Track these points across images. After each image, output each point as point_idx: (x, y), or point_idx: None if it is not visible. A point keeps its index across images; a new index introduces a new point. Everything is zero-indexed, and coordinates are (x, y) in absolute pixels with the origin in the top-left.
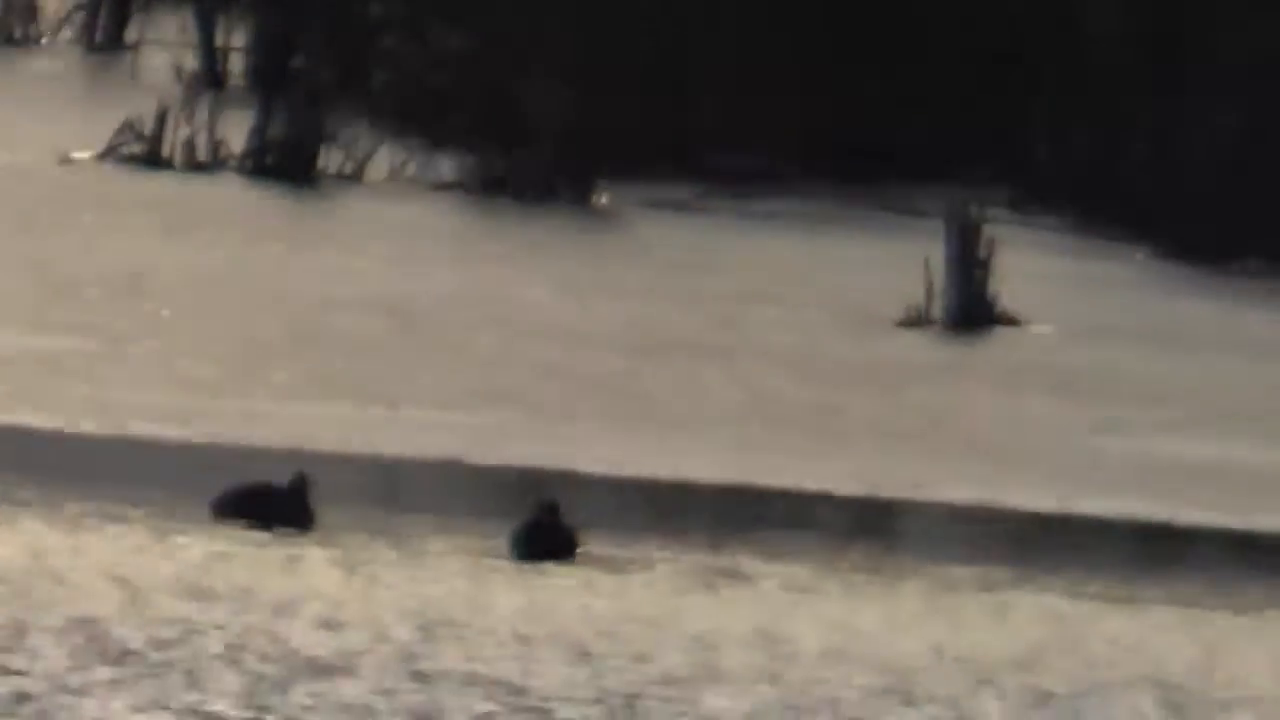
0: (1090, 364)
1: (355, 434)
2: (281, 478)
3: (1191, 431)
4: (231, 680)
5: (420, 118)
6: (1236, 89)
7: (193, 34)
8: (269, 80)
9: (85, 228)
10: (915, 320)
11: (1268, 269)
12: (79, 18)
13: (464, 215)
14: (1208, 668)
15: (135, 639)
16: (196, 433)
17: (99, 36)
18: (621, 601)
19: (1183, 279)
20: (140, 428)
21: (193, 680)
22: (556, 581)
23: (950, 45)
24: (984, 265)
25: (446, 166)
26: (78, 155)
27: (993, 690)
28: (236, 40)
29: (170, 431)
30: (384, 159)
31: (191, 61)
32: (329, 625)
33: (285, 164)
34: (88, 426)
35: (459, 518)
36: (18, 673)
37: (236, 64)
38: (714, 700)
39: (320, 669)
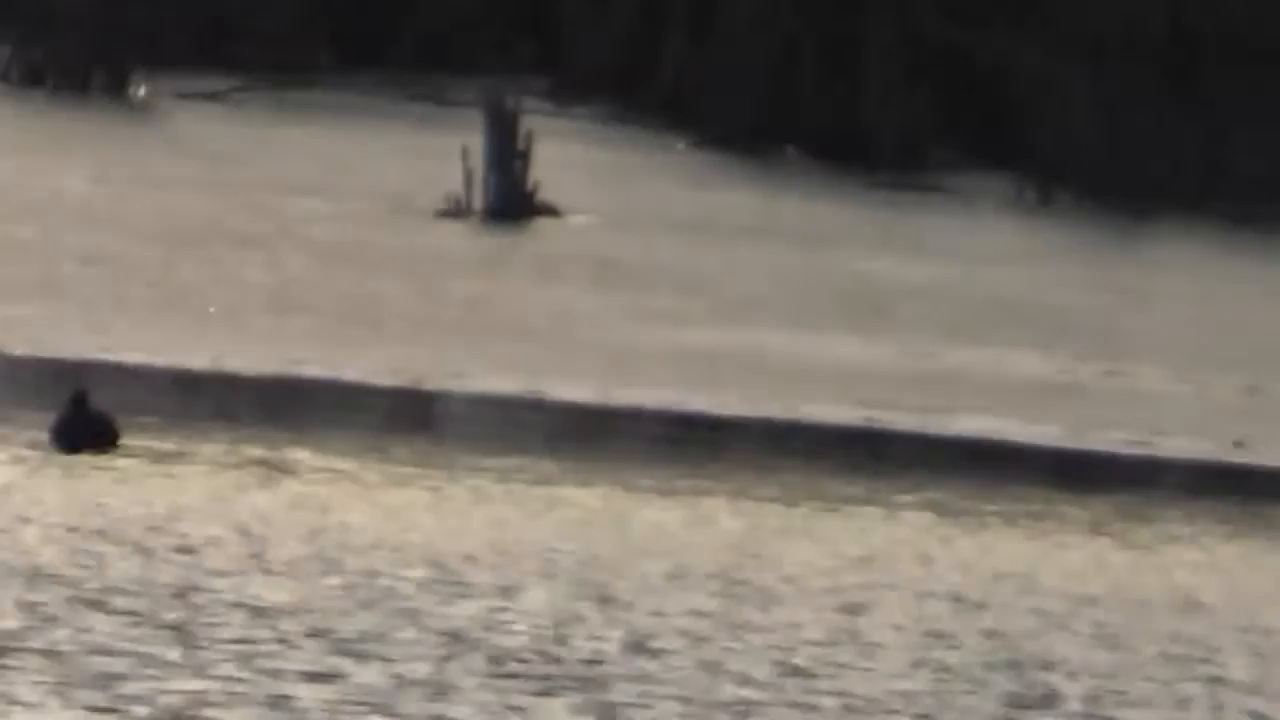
0: (630, 254)
1: None
2: None
3: (731, 321)
4: None
5: None
6: None
7: None
8: None
9: None
10: (455, 211)
11: (805, 159)
12: None
13: (0, 107)
14: (758, 557)
15: None
16: None
17: None
18: (168, 493)
19: (721, 169)
20: None
21: None
22: (102, 474)
23: None
24: (523, 156)
25: None
26: None
27: (549, 583)
28: None
29: None
30: None
31: None
32: None
33: None
34: None
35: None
36: None
37: None
38: (269, 592)
39: None
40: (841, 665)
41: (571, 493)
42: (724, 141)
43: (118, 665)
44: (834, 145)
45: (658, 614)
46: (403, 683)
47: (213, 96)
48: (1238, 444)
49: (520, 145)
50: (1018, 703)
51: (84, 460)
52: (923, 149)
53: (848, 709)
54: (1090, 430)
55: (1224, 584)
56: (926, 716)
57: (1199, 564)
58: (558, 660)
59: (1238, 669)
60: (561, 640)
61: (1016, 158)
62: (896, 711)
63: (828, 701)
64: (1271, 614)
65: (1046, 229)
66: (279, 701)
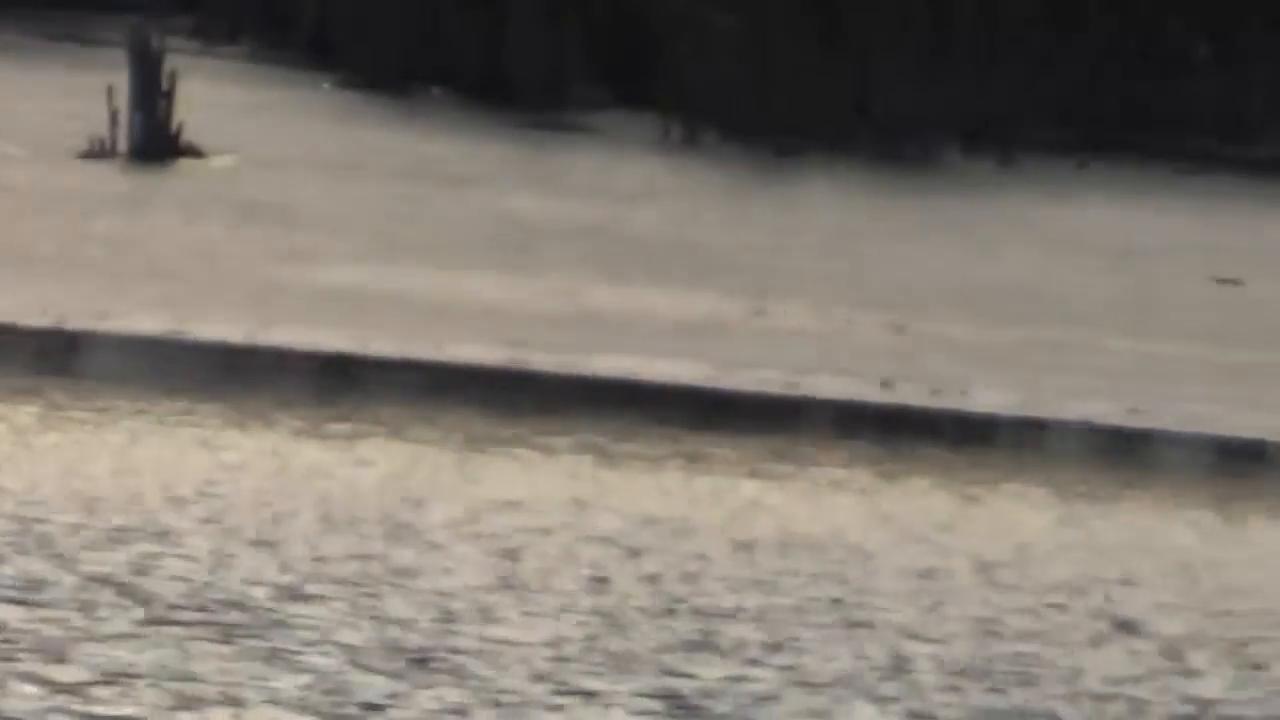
0: (274, 194)
1: None
2: None
3: (376, 261)
4: None
5: None
6: None
7: None
8: None
9: None
10: (98, 152)
11: (450, 98)
12: None
13: None
14: (414, 501)
15: None
16: None
17: None
18: None
19: (367, 108)
20: None
21: None
22: None
23: None
24: (167, 96)
25: None
26: None
27: (207, 527)
28: None
29: None
30: None
31: None
32: None
33: None
34: None
35: None
36: None
37: None
38: None
39: None
40: (505, 611)
41: (225, 435)
42: (370, 81)
43: None
44: (479, 85)
45: (319, 559)
46: (63, 628)
47: None
48: (885, 383)
49: (165, 85)
50: (689, 648)
51: None
52: (567, 88)
53: (519, 658)
54: (738, 370)
55: (881, 526)
56: (600, 663)
57: (854, 506)
58: (220, 606)
59: (905, 613)
60: (223, 586)
61: (661, 97)
62: (569, 659)
63: (493, 648)
64: (930, 557)
65: (691, 168)
66: None
